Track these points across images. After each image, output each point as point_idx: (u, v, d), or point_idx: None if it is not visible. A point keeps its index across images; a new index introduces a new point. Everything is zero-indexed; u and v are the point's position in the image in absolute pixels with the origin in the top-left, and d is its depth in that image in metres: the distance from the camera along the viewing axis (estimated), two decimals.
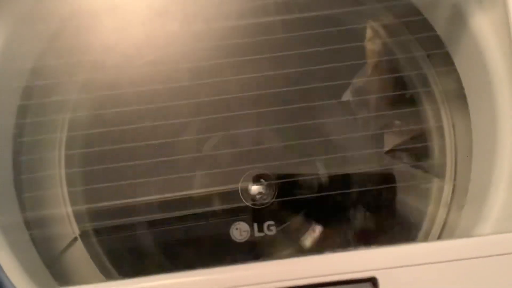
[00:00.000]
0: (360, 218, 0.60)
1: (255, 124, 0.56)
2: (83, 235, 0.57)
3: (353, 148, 0.60)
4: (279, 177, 0.58)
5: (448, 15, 0.50)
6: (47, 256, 0.53)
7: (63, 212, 0.57)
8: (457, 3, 0.48)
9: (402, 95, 0.61)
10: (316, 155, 0.59)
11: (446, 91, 0.58)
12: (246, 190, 0.58)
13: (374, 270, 0.41)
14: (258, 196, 0.58)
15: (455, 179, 0.56)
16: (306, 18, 0.55)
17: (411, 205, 0.59)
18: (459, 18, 0.49)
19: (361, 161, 0.60)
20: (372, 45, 0.60)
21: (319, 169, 0.60)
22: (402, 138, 0.61)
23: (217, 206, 0.58)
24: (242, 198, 0.57)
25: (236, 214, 0.57)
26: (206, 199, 0.58)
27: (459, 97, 0.54)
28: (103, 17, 0.51)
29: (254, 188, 0.58)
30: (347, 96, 0.61)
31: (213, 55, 0.53)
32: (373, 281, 0.40)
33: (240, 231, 0.57)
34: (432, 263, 0.41)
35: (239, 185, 0.58)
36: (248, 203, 0.57)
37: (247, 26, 0.53)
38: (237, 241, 0.57)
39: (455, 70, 0.53)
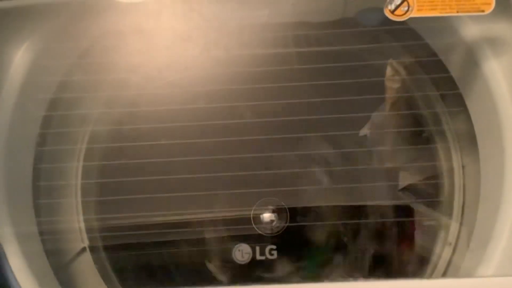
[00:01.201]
0: (367, 250, 0.60)
1: (267, 150, 0.57)
2: (92, 246, 0.58)
3: (366, 181, 0.61)
4: (292, 207, 0.58)
5: (462, 58, 0.51)
6: (56, 264, 0.55)
7: (75, 221, 0.59)
8: (471, 48, 0.49)
9: (417, 136, 0.61)
10: (330, 185, 0.60)
11: (458, 132, 0.58)
12: (258, 217, 0.58)
13: None
14: (269, 225, 0.58)
15: (462, 219, 0.56)
16: (323, 52, 0.57)
17: (418, 241, 0.59)
18: (472, 62, 0.50)
19: (373, 195, 0.61)
20: (392, 83, 0.61)
21: (333, 200, 0.60)
22: (416, 177, 0.61)
23: (226, 231, 0.59)
24: (253, 225, 0.58)
25: (245, 239, 0.58)
26: (216, 223, 0.59)
27: (471, 139, 0.54)
28: (130, 39, 0.54)
29: (266, 216, 0.59)
30: (364, 131, 0.62)
31: (231, 81, 0.54)
32: None
33: (242, 253, 0.57)
34: None
35: (252, 212, 0.59)
36: (260, 231, 0.58)
37: (265, 55, 0.55)
38: (239, 263, 0.57)
39: (467, 112, 0.53)
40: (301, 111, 0.57)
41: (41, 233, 0.54)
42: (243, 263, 0.57)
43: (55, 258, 0.54)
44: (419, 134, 0.61)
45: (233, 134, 0.55)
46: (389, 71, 0.61)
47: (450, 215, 0.57)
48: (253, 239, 0.58)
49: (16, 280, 0.48)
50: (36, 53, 0.52)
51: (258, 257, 0.57)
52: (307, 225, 0.59)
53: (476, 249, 0.50)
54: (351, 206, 0.60)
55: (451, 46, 0.52)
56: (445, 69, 0.54)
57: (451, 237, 0.56)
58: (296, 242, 0.59)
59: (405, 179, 0.61)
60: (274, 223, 0.58)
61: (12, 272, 0.48)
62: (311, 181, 0.60)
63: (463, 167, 0.58)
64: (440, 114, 0.59)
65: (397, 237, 0.59)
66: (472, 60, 0.50)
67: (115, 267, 0.59)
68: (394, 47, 0.59)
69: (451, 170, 0.59)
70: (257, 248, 0.57)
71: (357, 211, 0.60)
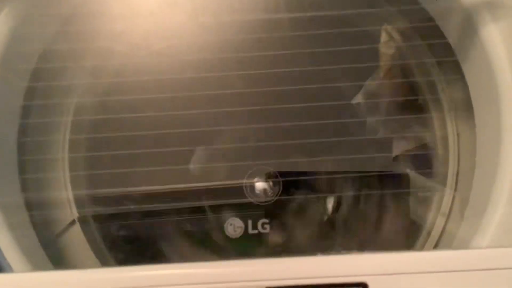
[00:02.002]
0: (359, 220, 0.60)
1: (259, 120, 0.56)
2: (82, 219, 0.57)
3: (360, 150, 0.60)
4: (284, 175, 0.58)
5: (459, 23, 0.49)
6: (45, 238, 0.54)
7: (64, 196, 0.58)
8: (469, 12, 0.48)
9: (412, 102, 0.60)
10: (322, 155, 0.59)
11: (453, 100, 0.57)
12: (250, 187, 0.58)
13: (365, 275, 0.40)
14: (262, 193, 0.58)
15: (456, 189, 0.56)
16: (317, 18, 0.55)
17: (411, 211, 0.59)
18: (470, 27, 0.48)
19: (367, 163, 0.60)
20: (386, 49, 0.59)
21: (325, 169, 0.59)
22: (410, 145, 0.60)
23: (219, 200, 0.58)
24: (245, 194, 0.57)
25: (237, 210, 0.57)
26: (207, 193, 0.58)
27: (466, 106, 0.53)
28: (113, 5, 0.52)
29: (259, 185, 0.58)
30: (358, 99, 0.60)
31: (220, 49, 0.52)
32: (363, 286, 0.40)
33: (234, 227, 0.57)
34: (426, 272, 0.41)
35: (244, 181, 0.58)
36: (252, 200, 0.57)
37: (256, 21, 0.53)
38: (231, 237, 0.57)
39: (464, 79, 0.52)
40: (293, 80, 0.55)
41: (28, 208, 0.53)
42: (236, 237, 0.57)
43: (44, 234, 0.53)
44: (414, 102, 0.60)
45: (224, 104, 0.54)
46: (383, 36, 0.59)
47: (444, 184, 0.57)
48: (251, 213, 0.57)
49: (3, 255, 0.47)
50: (15, 22, 0.50)
51: (251, 231, 0.57)
52: (300, 195, 0.59)
53: (471, 218, 0.50)
54: (343, 175, 0.59)
55: (448, 11, 0.51)
56: (442, 35, 0.53)
57: (445, 206, 0.56)
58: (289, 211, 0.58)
59: (398, 148, 0.60)
60: (268, 192, 0.57)
61: None
62: (304, 151, 0.59)
63: (458, 135, 0.57)
64: (436, 81, 0.58)
65: (390, 207, 0.59)
66: (469, 25, 0.48)
67: (105, 240, 0.59)
68: (389, 11, 0.57)
69: (445, 138, 0.58)
70: (249, 222, 0.57)
71: (350, 181, 0.60)
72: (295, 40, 0.55)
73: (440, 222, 0.56)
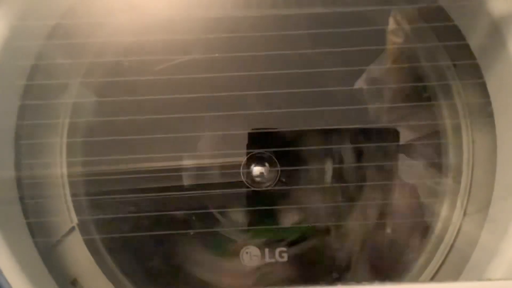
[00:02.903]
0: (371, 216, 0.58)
1: (261, 105, 0.54)
2: (82, 225, 0.54)
3: (365, 138, 0.58)
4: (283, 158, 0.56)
5: (484, 29, 0.47)
6: (43, 246, 0.51)
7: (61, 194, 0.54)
8: (497, 23, 0.46)
9: (418, 93, 0.58)
10: (323, 144, 0.57)
11: (464, 86, 0.55)
12: (248, 171, 0.56)
13: None
14: (259, 178, 0.56)
15: (471, 185, 0.54)
16: (329, 14, 0.52)
17: (424, 204, 0.57)
18: (497, 37, 0.46)
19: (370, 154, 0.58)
20: (394, 37, 0.56)
21: (326, 159, 0.58)
22: (416, 135, 0.58)
23: (216, 186, 0.56)
24: (242, 178, 0.56)
25: (235, 195, 0.56)
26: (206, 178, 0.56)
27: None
28: None
29: (256, 169, 0.56)
30: (360, 84, 0.58)
31: (224, 25, 0.50)
32: None
33: (250, 255, 0.55)
34: None
35: (241, 165, 0.56)
36: (249, 185, 0.56)
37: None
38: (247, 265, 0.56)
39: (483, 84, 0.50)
40: (295, 63, 0.52)
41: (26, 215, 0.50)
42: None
43: (41, 242, 0.51)
44: (421, 94, 0.58)
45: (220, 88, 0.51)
46: (391, 23, 0.56)
47: (458, 177, 0.55)
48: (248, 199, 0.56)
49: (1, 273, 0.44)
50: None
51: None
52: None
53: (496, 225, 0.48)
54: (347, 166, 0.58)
55: (472, 15, 0.48)
56: (461, 36, 0.51)
57: (460, 202, 0.54)
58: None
59: (405, 137, 0.58)
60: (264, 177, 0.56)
61: None
62: (306, 139, 0.57)
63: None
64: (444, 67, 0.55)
65: (398, 202, 0.57)
66: (496, 35, 0.46)
67: (107, 245, 0.56)
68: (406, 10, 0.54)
69: (458, 127, 0.55)
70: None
71: (354, 172, 0.58)
72: (291, 19, 0.52)
73: (456, 219, 0.54)
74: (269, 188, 0.57)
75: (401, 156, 0.58)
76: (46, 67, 0.52)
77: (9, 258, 0.45)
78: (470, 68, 0.52)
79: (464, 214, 0.54)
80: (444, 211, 0.56)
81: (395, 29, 0.56)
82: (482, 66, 0.50)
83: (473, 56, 0.51)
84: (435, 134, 0.58)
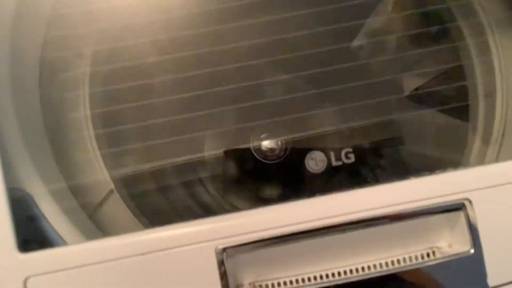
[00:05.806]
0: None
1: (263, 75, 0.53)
2: (119, 186, 0.52)
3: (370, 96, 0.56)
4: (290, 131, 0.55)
5: None
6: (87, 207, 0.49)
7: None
8: None
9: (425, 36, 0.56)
10: (330, 107, 0.56)
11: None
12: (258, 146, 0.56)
13: (467, 191, 0.38)
14: (269, 153, 0.55)
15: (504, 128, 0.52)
16: None
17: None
18: None
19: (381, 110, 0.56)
20: None
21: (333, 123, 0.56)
22: (425, 79, 0.57)
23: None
24: (253, 153, 0.55)
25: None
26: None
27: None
28: None
29: (266, 144, 0.55)
30: (359, 41, 0.56)
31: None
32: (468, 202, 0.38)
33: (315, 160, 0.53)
34: None
35: (251, 142, 0.55)
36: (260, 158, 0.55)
37: None
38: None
39: None
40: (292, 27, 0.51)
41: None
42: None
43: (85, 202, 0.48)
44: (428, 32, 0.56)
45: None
46: None
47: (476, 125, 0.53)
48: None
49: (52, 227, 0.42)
50: None
51: None
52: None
53: None
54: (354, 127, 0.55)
55: None
56: None
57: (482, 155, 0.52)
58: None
59: (412, 83, 0.56)
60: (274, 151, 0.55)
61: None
62: (313, 104, 0.55)
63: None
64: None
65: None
66: None
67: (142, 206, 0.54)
68: None
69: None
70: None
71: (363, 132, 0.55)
72: None
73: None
74: None
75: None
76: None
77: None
78: None
79: None
80: None
81: None
82: None
83: None
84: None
